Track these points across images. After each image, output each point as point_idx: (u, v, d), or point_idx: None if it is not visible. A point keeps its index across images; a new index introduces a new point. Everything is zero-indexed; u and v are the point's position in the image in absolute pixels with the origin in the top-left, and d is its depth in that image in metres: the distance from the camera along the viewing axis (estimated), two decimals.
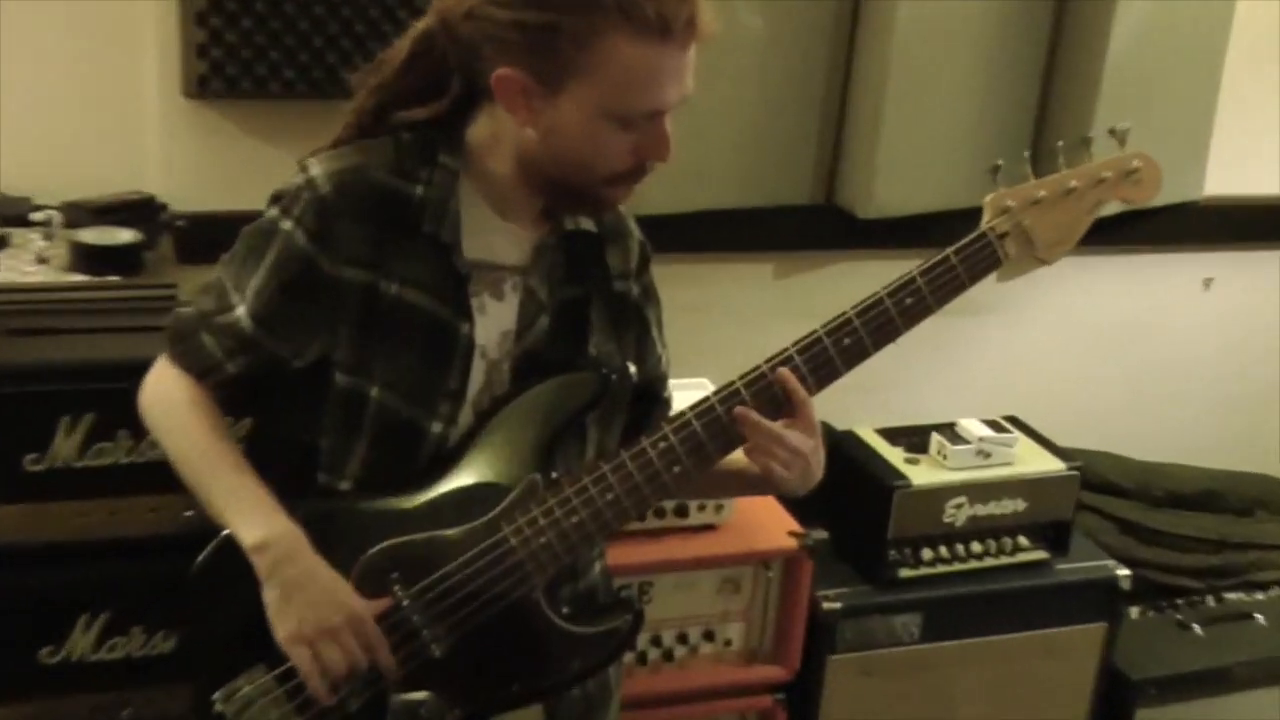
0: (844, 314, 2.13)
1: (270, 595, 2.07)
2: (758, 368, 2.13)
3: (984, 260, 2.16)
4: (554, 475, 2.17)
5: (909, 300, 2.13)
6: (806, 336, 2.13)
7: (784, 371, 2.11)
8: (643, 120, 2.03)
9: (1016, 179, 2.19)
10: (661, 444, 2.12)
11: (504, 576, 2.12)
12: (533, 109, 2.01)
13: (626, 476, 2.12)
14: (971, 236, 2.16)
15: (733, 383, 2.13)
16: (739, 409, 2.11)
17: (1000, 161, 2.20)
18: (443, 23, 2.06)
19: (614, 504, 2.13)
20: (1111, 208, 3.63)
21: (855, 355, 2.14)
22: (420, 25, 2.11)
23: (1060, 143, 2.24)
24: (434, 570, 2.12)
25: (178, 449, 2.19)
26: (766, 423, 2.11)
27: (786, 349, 2.13)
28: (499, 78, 1.99)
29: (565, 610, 2.22)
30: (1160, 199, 4.09)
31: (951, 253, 2.15)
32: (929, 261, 2.14)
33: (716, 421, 2.12)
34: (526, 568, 2.13)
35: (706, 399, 2.13)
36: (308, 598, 2.06)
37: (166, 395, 2.20)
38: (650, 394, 2.40)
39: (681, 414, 2.14)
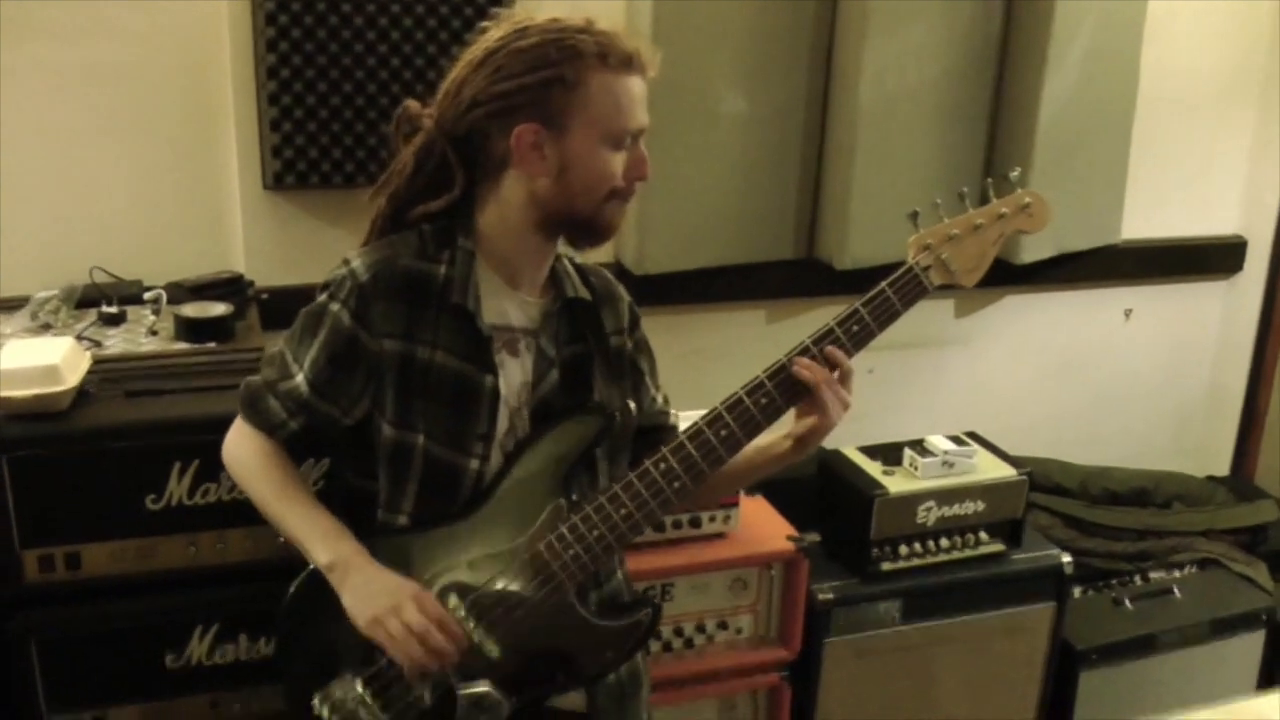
0: (803, 343, 2.19)
1: (346, 600, 2.12)
2: (735, 395, 2.18)
3: (913, 290, 2.22)
4: (574, 499, 2.21)
5: (855, 328, 2.19)
6: (773, 365, 2.19)
7: (801, 361, 2.17)
8: (629, 141, 2.12)
9: (933, 222, 2.25)
10: (662, 465, 2.17)
11: (542, 585, 2.16)
12: (545, 156, 2.09)
13: (636, 494, 2.17)
14: (901, 271, 2.22)
15: (715, 409, 2.18)
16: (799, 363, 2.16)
17: (918, 210, 2.25)
18: (440, 129, 2.15)
19: (627, 518, 2.17)
20: (1039, 249, 3.71)
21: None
22: (418, 140, 2.19)
23: (964, 189, 2.30)
24: (483, 584, 2.16)
25: (258, 493, 2.25)
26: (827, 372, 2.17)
27: (758, 376, 2.18)
28: (518, 134, 2.08)
29: (595, 610, 2.26)
30: (1085, 243, 4.18)
31: (886, 285, 2.20)
32: (869, 294, 2.20)
33: (707, 443, 2.17)
34: (559, 577, 2.16)
35: (696, 424, 2.18)
36: (374, 591, 2.11)
37: (243, 450, 2.27)
38: (656, 426, 2.43)
39: (677, 439, 2.18)
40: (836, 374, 2.19)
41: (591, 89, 2.07)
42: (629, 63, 2.10)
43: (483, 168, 2.17)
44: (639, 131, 2.14)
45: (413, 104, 2.22)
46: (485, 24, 2.17)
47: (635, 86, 2.12)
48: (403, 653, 2.10)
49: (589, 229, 2.20)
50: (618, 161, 2.12)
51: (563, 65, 2.06)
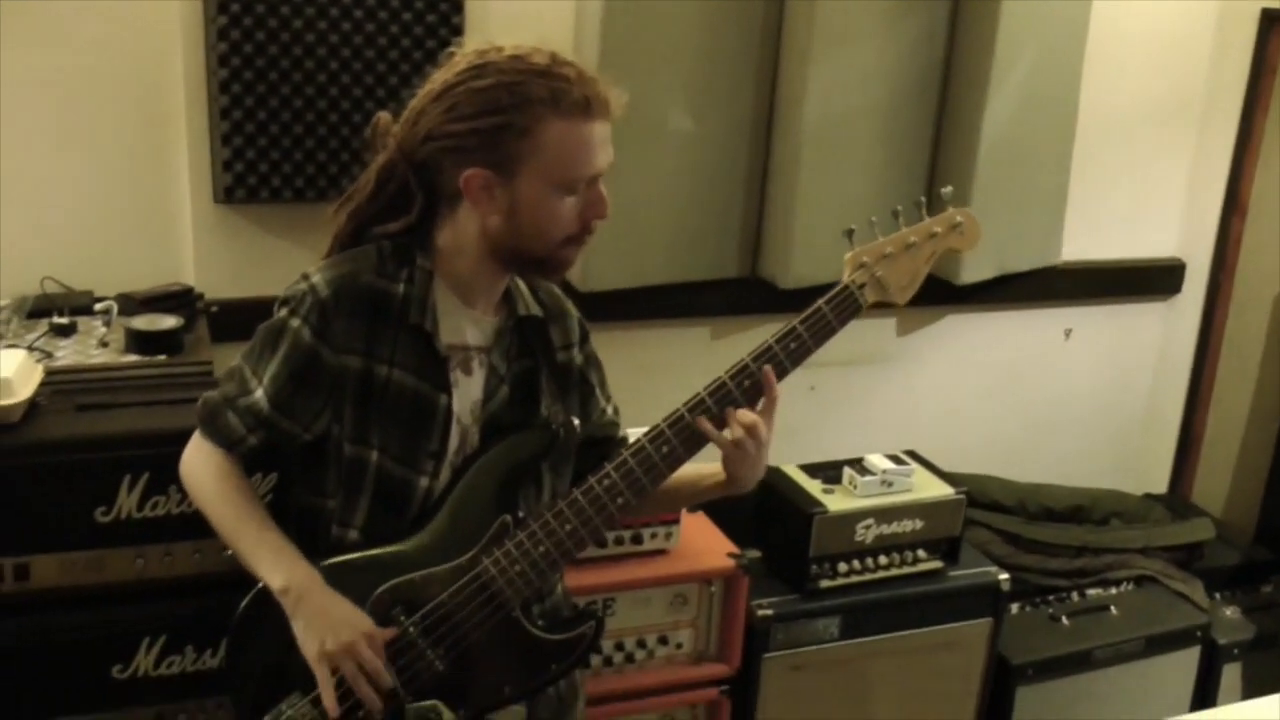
0: (742, 360, 2.24)
1: (297, 626, 2.15)
2: (677, 411, 2.23)
3: (848, 307, 2.27)
4: (520, 515, 2.25)
5: (793, 345, 2.24)
6: (714, 382, 2.24)
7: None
8: (584, 186, 2.13)
9: (868, 239, 2.30)
10: (605, 481, 2.21)
11: (488, 601, 2.21)
12: (495, 198, 2.11)
13: (580, 510, 2.21)
14: (837, 289, 2.27)
15: (658, 425, 2.23)
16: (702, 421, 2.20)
17: (854, 226, 2.31)
18: (401, 152, 2.16)
19: (572, 534, 2.21)
20: (979, 269, 3.75)
21: (755, 393, 2.24)
22: (381, 159, 2.20)
23: (899, 208, 2.35)
24: (430, 600, 2.20)
25: (213, 511, 2.26)
26: (749, 414, 2.22)
27: (699, 393, 2.23)
28: (467, 178, 2.10)
29: (540, 624, 2.30)
30: (1025, 264, 4.24)
31: (823, 303, 2.26)
32: (806, 312, 2.25)
33: (648, 459, 2.22)
34: (505, 592, 2.21)
35: (639, 440, 2.23)
36: (327, 623, 2.13)
37: (201, 466, 2.28)
38: (604, 438, 2.47)
39: (620, 454, 2.22)
40: (762, 404, 2.25)
41: (543, 136, 2.08)
42: (585, 108, 2.09)
43: (440, 194, 2.19)
44: (595, 176, 2.15)
45: (384, 117, 2.23)
46: (452, 49, 2.18)
47: (592, 131, 2.11)
48: (330, 697, 2.15)
49: (541, 267, 2.24)
50: (569, 206, 2.14)
51: (514, 112, 2.06)
